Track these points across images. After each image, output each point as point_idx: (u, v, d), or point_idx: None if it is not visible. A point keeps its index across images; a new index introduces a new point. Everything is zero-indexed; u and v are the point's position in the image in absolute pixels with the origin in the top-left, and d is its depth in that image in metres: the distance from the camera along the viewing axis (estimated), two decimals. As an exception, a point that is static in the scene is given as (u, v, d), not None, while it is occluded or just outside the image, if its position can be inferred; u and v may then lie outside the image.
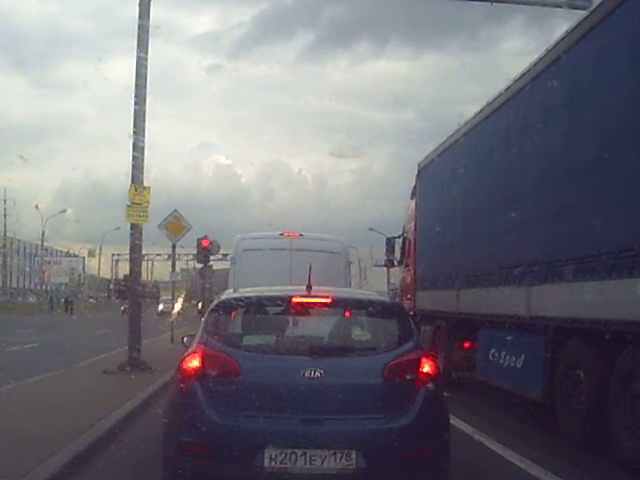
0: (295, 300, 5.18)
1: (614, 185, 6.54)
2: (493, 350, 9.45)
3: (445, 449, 4.81)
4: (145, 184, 12.49)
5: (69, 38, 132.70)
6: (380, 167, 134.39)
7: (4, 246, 71.04)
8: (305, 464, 4.51)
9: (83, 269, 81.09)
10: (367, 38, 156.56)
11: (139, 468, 5.93)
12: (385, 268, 25.87)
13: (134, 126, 12.34)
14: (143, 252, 16.03)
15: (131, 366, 12.07)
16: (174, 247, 19.78)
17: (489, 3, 13.29)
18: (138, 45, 12.31)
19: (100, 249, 72.05)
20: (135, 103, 12.36)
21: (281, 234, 12.91)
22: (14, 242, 77.24)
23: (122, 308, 38.70)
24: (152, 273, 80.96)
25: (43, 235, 63.52)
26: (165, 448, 4.83)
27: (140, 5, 12.27)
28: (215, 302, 5.64)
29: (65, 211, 72.28)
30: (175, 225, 17.63)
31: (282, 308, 5.37)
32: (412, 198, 14.87)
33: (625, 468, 6.25)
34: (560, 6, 12.97)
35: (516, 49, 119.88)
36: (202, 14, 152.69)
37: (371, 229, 45.69)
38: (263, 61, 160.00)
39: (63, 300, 59.48)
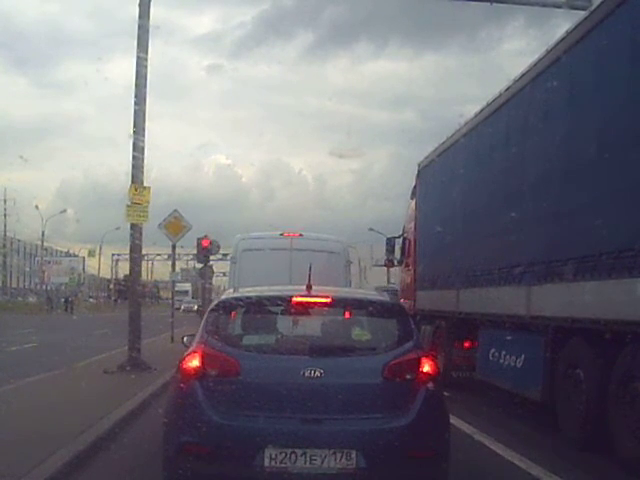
0: (295, 300, 5.18)
1: (614, 185, 6.54)
2: (493, 350, 9.45)
3: (445, 449, 4.80)
4: (145, 184, 12.52)
5: (69, 38, 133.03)
6: (380, 167, 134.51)
7: (4, 246, 70.96)
8: (305, 464, 4.51)
9: (83, 269, 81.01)
10: (367, 38, 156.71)
11: (139, 468, 5.92)
12: (385, 268, 25.84)
13: (134, 126, 12.36)
14: (143, 252, 16.02)
15: (131, 366, 12.08)
16: (174, 247, 19.79)
17: (489, 3, 13.31)
18: (138, 45, 12.33)
19: (100, 249, 72.19)
20: (135, 103, 12.38)
21: (281, 234, 12.90)
22: (14, 242, 77.17)
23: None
24: (152, 273, 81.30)
25: (43, 235, 63.57)
26: (165, 448, 4.83)
27: (140, 5, 12.29)
28: (215, 302, 5.64)
29: (65, 211, 72.40)
30: (175, 225, 17.66)
31: (282, 308, 5.36)
32: (412, 198, 14.87)
33: (625, 468, 6.25)
34: (560, 6, 12.98)
35: (516, 49, 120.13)
36: (202, 14, 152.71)
37: (371, 229, 45.74)
38: (263, 61, 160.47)
39: (63, 300, 59.48)
